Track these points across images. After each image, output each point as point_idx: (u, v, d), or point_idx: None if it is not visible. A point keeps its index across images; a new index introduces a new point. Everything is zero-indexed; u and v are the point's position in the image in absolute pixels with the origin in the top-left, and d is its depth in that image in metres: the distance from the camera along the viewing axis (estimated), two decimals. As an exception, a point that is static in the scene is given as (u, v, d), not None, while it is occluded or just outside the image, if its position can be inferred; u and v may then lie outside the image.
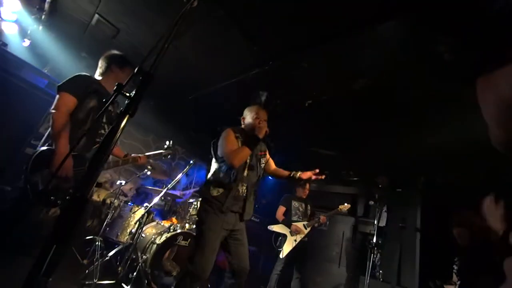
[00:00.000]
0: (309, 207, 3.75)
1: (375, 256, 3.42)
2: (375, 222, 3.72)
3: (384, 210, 3.82)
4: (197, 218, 1.91)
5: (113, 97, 0.77)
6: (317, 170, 2.04)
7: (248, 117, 2.05)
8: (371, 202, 4.12)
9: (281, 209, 3.71)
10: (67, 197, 1.63)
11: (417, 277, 3.28)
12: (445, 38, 1.94)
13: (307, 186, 3.78)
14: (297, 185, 3.81)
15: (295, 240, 3.40)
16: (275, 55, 2.49)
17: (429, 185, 3.68)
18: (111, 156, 2.13)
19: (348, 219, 4.42)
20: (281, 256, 3.38)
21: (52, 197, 1.57)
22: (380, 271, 3.33)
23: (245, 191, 1.89)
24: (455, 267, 2.27)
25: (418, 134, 3.06)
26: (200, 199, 2.06)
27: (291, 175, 2.09)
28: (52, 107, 1.66)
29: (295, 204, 3.73)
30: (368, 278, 3.43)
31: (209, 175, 1.96)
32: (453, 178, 3.40)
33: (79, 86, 1.73)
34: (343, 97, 2.82)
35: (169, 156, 2.56)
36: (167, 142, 2.59)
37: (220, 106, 3.77)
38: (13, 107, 2.77)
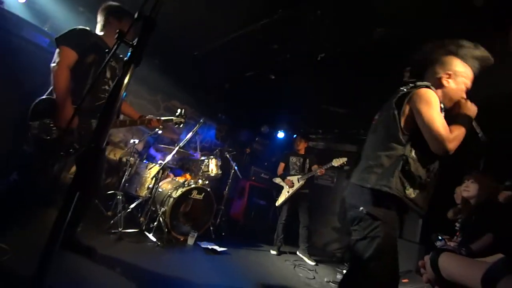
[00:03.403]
0: (307, 161, 3.92)
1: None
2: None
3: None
4: (372, 214, 1.36)
5: (115, 46, 0.73)
6: None
7: (459, 76, 1.29)
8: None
9: (281, 165, 4.04)
10: (70, 150, 1.66)
11: (419, 231, 3.43)
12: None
13: (303, 141, 4.00)
14: (295, 141, 4.10)
15: (288, 192, 3.75)
16: (285, 3, 2.27)
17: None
18: (121, 115, 2.13)
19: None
20: (276, 204, 3.86)
21: (54, 147, 1.60)
22: (383, 224, 3.49)
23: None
24: (457, 224, 2.34)
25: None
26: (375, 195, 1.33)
27: None
28: (53, 61, 1.62)
29: (292, 159, 3.98)
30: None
31: (389, 162, 1.29)
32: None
33: (78, 39, 1.66)
34: (359, 50, 2.61)
35: (181, 125, 2.49)
36: (179, 110, 2.48)
37: (227, 62, 3.61)
38: (17, 68, 2.68)
